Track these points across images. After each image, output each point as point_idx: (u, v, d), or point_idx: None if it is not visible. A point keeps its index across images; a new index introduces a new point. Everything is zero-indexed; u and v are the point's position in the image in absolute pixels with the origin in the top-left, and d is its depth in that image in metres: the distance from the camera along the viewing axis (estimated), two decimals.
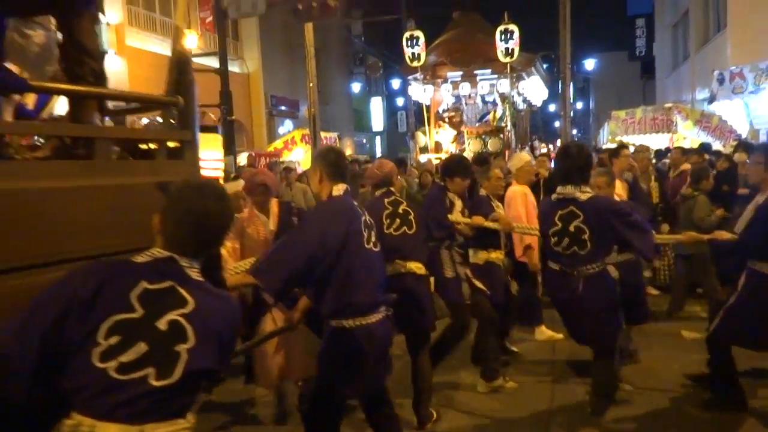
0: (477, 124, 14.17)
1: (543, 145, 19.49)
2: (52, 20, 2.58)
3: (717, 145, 11.00)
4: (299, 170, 10.83)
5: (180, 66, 2.49)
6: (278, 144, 15.09)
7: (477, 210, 4.25)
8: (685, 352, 4.62)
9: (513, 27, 12.30)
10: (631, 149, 6.65)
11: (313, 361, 2.93)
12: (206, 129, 2.75)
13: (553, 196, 3.71)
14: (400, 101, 29.47)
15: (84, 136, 2.23)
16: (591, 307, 3.55)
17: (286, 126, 20.49)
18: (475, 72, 13.55)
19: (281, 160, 12.72)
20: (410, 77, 14.24)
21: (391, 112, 32.20)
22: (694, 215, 5.37)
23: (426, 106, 14.04)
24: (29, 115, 2.53)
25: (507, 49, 12.35)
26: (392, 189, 3.75)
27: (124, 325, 1.49)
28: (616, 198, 4.36)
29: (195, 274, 1.63)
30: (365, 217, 2.80)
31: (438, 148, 13.57)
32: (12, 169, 1.89)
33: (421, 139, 14.20)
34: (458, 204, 4.16)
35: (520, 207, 4.96)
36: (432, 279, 3.88)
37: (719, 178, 6.52)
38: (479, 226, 4.11)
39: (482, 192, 4.59)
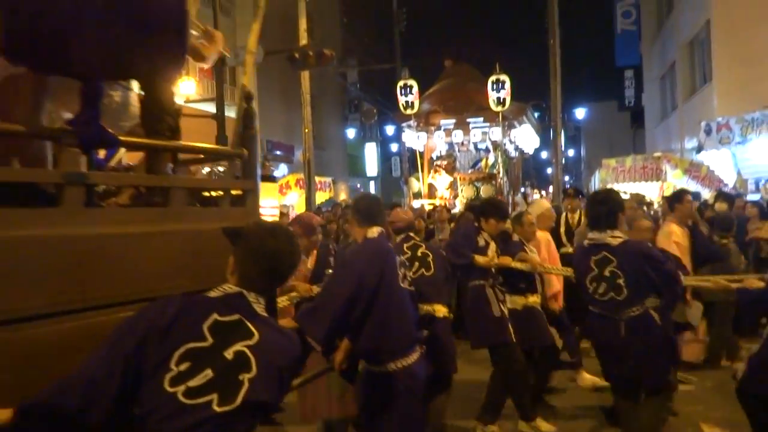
0: (470, 171, 14.32)
1: (536, 191, 19.68)
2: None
3: (706, 194, 11.14)
4: (292, 214, 10.86)
5: (245, 121, 2.74)
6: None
7: (509, 253, 4.32)
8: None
9: (504, 77, 12.57)
10: (626, 196, 6.72)
11: (336, 404, 2.94)
12: (265, 178, 3.07)
13: (585, 242, 3.72)
14: (394, 147, 29.84)
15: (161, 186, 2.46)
16: (635, 349, 3.48)
17: (281, 170, 20.63)
18: (468, 120, 13.78)
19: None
20: (404, 124, 14.46)
21: (385, 157, 32.55)
22: (727, 263, 5.30)
23: (419, 152, 14.21)
24: (100, 164, 2.68)
25: (499, 98, 12.60)
26: (412, 234, 3.83)
27: (195, 353, 1.61)
28: (676, 245, 4.36)
29: (261, 309, 1.78)
30: (400, 258, 2.93)
31: (432, 193, 13.66)
32: (100, 216, 2.12)
33: (415, 184, 14.31)
34: (493, 246, 4.20)
35: (543, 252, 4.99)
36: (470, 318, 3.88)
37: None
38: (506, 266, 4.13)
39: (515, 237, 4.64)
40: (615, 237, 3.55)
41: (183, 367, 1.59)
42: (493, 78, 12.65)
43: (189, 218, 2.39)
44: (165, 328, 1.62)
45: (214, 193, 2.76)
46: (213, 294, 1.76)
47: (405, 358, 2.70)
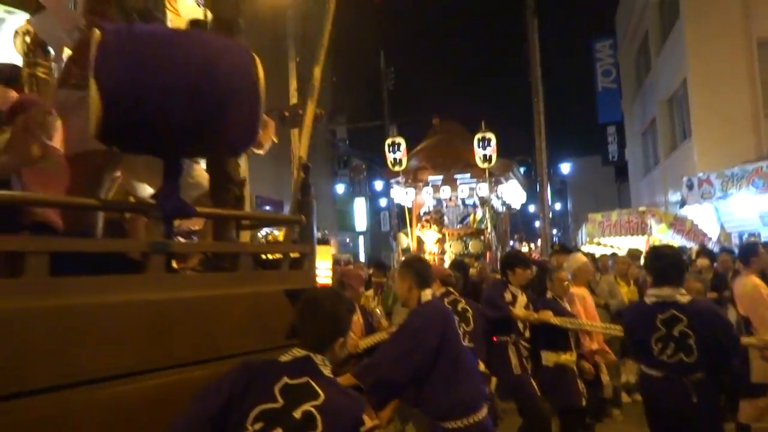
0: (458, 226, 14.42)
1: (524, 244, 19.76)
2: None
3: (692, 247, 11.25)
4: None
5: (303, 189, 2.98)
6: None
7: (543, 309, 4.34)
8: None
9: (490, 135, 12.84)
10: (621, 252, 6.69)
11: None
12: (320, 242, 3.36)
13: (648, 299, 3.52)
14: (383, 201, 30.06)
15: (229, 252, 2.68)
16: (705, 416, 3.29)
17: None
18: (455, 176, 13.98)
19: None
20: (392, 180, 14.63)
21: (374, 212, 32.71)
22: None
23: (408, 208, 14.33)
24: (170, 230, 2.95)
25: (485, 155, 12.83)
26: (451, 289, 3.87)
27: (268, 413, 1.79)
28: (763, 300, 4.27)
29: (327, 371, 1.96)
30: (465, 316, 3.16)
31: (420, 247, 13.69)
32: (179, 281, 2.32)
33: (404, 240, 14.36)
34: (522, 299, 4.20)
35: (577, 308, 4.95)
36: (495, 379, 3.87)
37: None
38: (546, 322, 4.10)
39: (548, 294, 4.66)
40: (683, 294, 3.38)
41: (257, 426, 1.76)
42: (479, 135, 12.93)
43: (254, 281, 2.57)
44: (243, 391, 1.81)
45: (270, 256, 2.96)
46: (284, 358, 1.95)
47: (476, 413, 2.78)
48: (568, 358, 4.40)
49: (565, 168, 40.64)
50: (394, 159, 13.85)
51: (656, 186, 20.56)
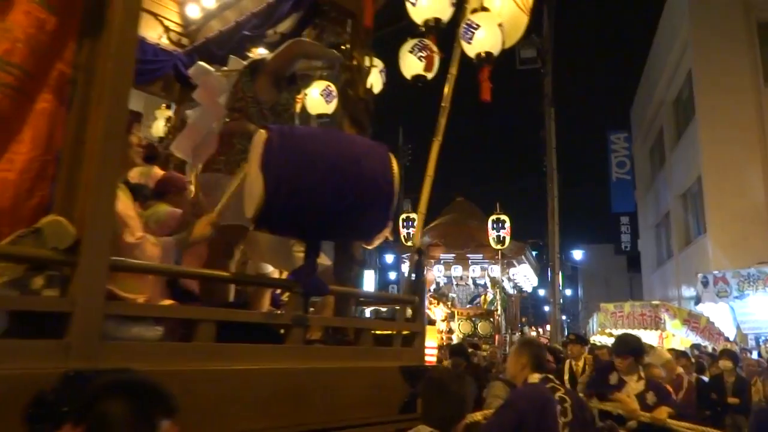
0: (468, 306, 14.22)
1: (533, 329, 19.38)
2: None
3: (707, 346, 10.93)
4: None
5: (416, 271, 3.22)
6: None
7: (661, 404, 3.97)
8: None
9: (504, 217, 12.90)
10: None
11: None
12: (429, 322, 3.46)
13: None
14: (392, 275, 29.87)
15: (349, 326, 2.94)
16: None
17: None
18: (468, 256, 13.94)
19: None
20: (404, 255, 14.59)
21: (383, 284, 32.46)
22: None
23: None
24: (278, 299, 3.37)
25: (498, 236, 12.84)
26: (550, 376, 3.81)
27: None
28: None
29: None
30: (562, 406, 3.07)
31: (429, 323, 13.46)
32: (312, 353, 2.53)
33: None
34: (632, 386, 3.94)
35: None
36: None
37: (708, 385, 6.36)
38: (660, 423, 3.75)
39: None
40: None
41: None
42: (493, 217, 12.99)
43: (372, 356, 2.76)
44: None
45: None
46: None
47: None
48: None
49: (578, 255, 40.46)
50: (407, 234, 13.88)
51: (669, 280, 20.30)
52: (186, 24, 4.62)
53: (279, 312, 2.64)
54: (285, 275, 3.44)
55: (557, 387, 3.62)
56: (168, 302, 2.38)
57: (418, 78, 4.14)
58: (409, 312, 3.16)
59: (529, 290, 17.32)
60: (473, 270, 13.96)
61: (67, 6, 2.09)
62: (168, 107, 5.05)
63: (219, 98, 3.70)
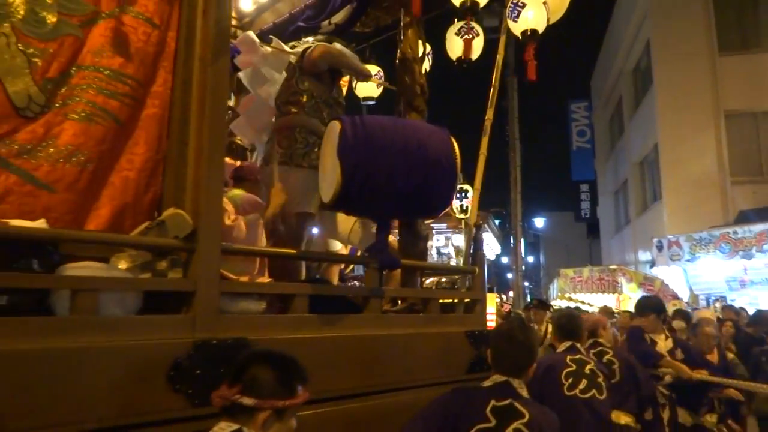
0: None
1: (496, 295, 19.75)
2: None
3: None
4: None
5: (475, 245, 3.47)
6: None
7: (688, 362, 4.08)
8: None
9: (467, 186, 12.96)
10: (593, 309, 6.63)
11: None
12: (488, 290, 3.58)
13: None
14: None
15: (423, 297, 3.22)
16: None
17: None
18: (432, 225, 14.01)
19: None
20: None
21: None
22: None
23: None
24: (343, 274, 3.73)
25: (462, 206, 12.92)
26: (600, 340, 3.85)
27: None
28: None
29: (525, 393, 2.21)
30: (609, 368, 3.35)
31: None
32: (388, 321, 2.82)
33: None
34: (661, 345, 4.05)
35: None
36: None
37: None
38: (703, 380, 3.91)
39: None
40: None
41: None
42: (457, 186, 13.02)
43: (440, 323, 3.04)
44: (457, 414, 2.11)
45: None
46: (487, 384, 2.25)
47: None
48: (709, 419, 4.12)
49: (539, 222, 41.30)
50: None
51: (627, 245, 20.95)
52: (240, 17, 4.70)
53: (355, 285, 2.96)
54: (348, 250, 3.83)
55: (605, 350, 3.69)
56: (266, 279, 2.66)
57: (461, 60, 4.24)
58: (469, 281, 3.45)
59: (492, 258, 17.60)
60: (437, 239, 14.11)
61: (167, 20, 2.42)
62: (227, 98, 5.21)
63: (262, 65, 3.89)
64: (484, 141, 3.87)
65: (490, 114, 3.92)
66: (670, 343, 4.09)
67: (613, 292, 13.29)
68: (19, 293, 1.82)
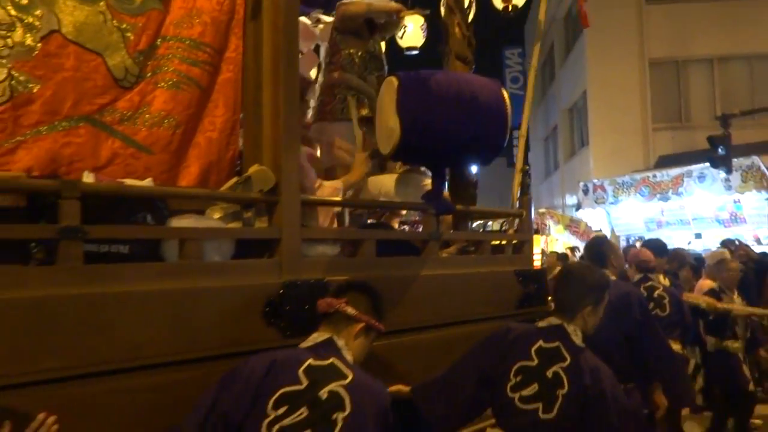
0: None
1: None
2: None
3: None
4: None
5: (522, 188, 3.68)
6: None
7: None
8: None
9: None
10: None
11: None
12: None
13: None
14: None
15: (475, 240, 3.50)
16: None
17: None
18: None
19: None
20: None
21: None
22: None
23: None
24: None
25: None
26: (651, 275, 4.20)
27: (525, 370, 2.11)
28: None
29: (578, 339, 2.20)
30: (661, 303, 3.82)
31: None
32: (444, 262, 3.07)
33: None
34: (664, 281, 4.47)
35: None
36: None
37: None
38: (732, 311, 4.43)
39: (713, 284, 4.85)
40: None
41: (518, 379, 2.10)
42: None
43: (490, 263, 3.29)
44: (505, 351, 2.17)
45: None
46: (542, 324, 2.28)
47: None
48: (733, 344, 4.52)
49: (473, 170, 41.85)
50: None
51: (555, 189, 21.77)
52: None
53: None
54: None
55: (655, 285, 4.03)
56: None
57: (507, 10, 4.40)
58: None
59: None
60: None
61: None
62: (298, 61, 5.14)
63: (309, 44, 4.05)
64: (530, 86, 4.37)
65: (534, 61, 4.51)
66: (667, 282, 4.59)
67: (542, 234, 13.86)
68: (137, 243, 2.08)
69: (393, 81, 2.63)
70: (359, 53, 3.53)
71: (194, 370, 1.98)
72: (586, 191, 14.46)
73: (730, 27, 15.06)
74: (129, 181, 2.18)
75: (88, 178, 2.11)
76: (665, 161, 14.48)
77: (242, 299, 2.14)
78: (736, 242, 8.16)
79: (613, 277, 3.42)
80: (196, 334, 2.01)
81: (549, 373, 2.09)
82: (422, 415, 2.20)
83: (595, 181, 14.33)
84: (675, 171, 12.27)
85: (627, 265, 4.47)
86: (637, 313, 3.41)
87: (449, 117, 2.59)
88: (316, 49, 4.18)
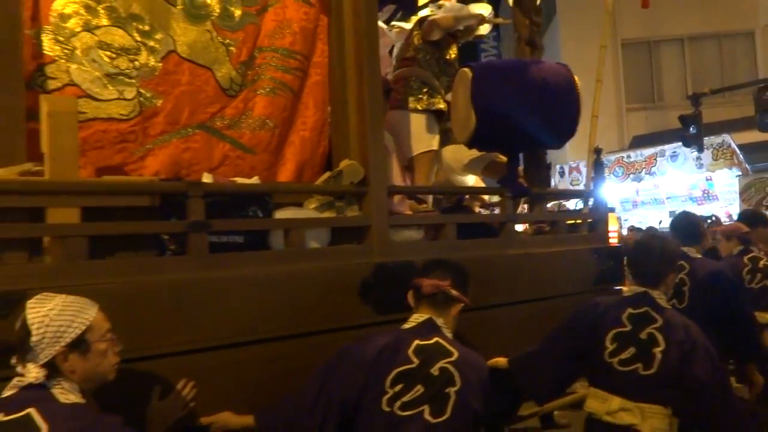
0: None
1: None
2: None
3: None
4: None
5: (596, 168, 3.71)
6: None
7: None
8: None
9: None
10: None
11: None
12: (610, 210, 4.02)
13: None
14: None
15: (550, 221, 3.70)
16: None
17: None
18: None
19: None
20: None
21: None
22: None
23: None
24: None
25: None
26: (752, 247, 4.04)
27: (621, 336, 2.17)
28: None
29: (663, 303, 2.26)
30: (763, 273, 3.71)
31: None
32: (522, 242, 3.28)
33: None
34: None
35: None
36: None
37: None
38: None
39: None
40: None
41: (614, 346, 2.16)
42: None
43: (566, 242, 3.38)
44: (598, 321, 2.24)
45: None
46: (626, 293, 2.36)
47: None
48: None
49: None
50: None
51: None
52: None
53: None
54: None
55: (759, 257, 3.93)
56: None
57: None
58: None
59: None
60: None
61: None
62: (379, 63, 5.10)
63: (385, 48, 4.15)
64: (600, 68, 4.60)
65: (605, 41, 4.71)
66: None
67: None
68: (250, 234, 2.34)
69: (467, 72, 2.77)
70: (436, 56, 3.74)
71: (300, 344, 2.21)
72: (562, 173, 14.71)
73: (699, 6, 15.32)
74: (240, 180, 2.46)
75: (207, 178, 2.40)
76: (639, 141, 14.84)
77: (340, 281, 2.35)
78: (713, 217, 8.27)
79: (698, 255, 3.39)
80: (301, 312, 2.24)
81: (643, 335, 2.15)
82: (520, 385, 2.33)
83: (571, 163, 14.54)
84: (649, 151, 12.64)
85: (720, 239, 4.42)
86: (729, 291, 3.26)
87: (522, 104, 2.73)
88: (390, 51, 4.35)
